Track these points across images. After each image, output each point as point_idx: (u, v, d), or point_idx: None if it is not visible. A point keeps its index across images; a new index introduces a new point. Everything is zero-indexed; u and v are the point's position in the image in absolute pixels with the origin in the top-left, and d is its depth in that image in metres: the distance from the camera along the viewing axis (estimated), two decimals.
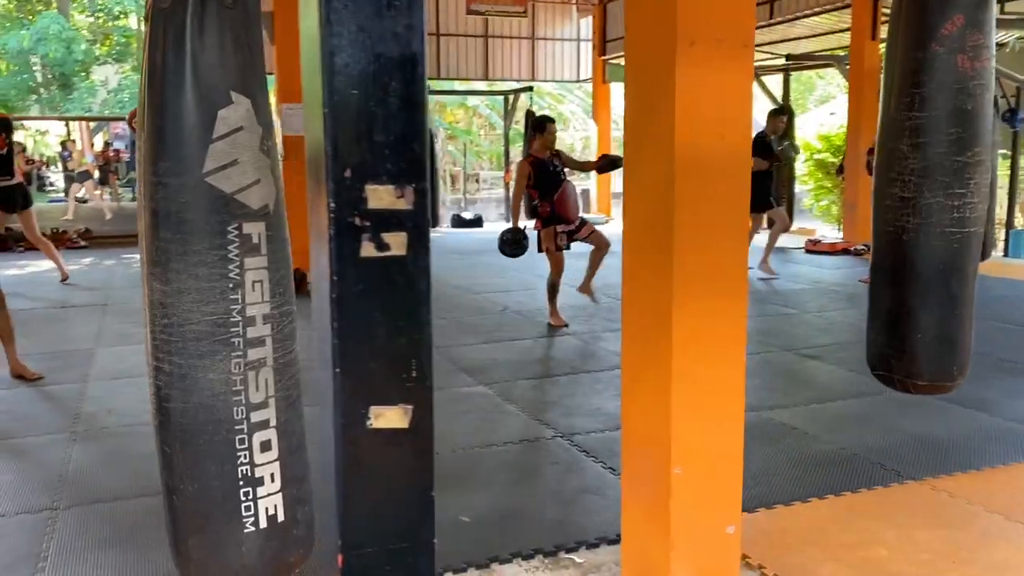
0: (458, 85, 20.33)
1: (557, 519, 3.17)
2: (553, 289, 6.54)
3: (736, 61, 2.17)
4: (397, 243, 1.39)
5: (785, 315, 6.94)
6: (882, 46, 12.72)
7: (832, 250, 10.80)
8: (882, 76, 3.09)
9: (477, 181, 23.17)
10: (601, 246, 6.47)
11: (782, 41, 14.23)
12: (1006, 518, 3.05)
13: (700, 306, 2.21)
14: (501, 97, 18.32)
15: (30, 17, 23.52)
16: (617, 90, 18.51)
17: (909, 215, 2.92)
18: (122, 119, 21.49)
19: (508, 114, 17.39)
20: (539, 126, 6.52)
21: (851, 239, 11.11)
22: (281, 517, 1.92)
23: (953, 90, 2.82)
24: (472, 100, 22.09)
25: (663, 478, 2.28)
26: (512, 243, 6.47)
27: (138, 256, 1.84)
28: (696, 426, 2.26)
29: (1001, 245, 11.57)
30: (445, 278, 9.05)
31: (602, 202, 17.33)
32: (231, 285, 1.81)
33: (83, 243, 12.41)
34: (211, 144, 1.77)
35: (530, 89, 16.59)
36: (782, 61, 14.34)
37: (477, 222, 16.60)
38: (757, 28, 10.26)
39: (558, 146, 6.54)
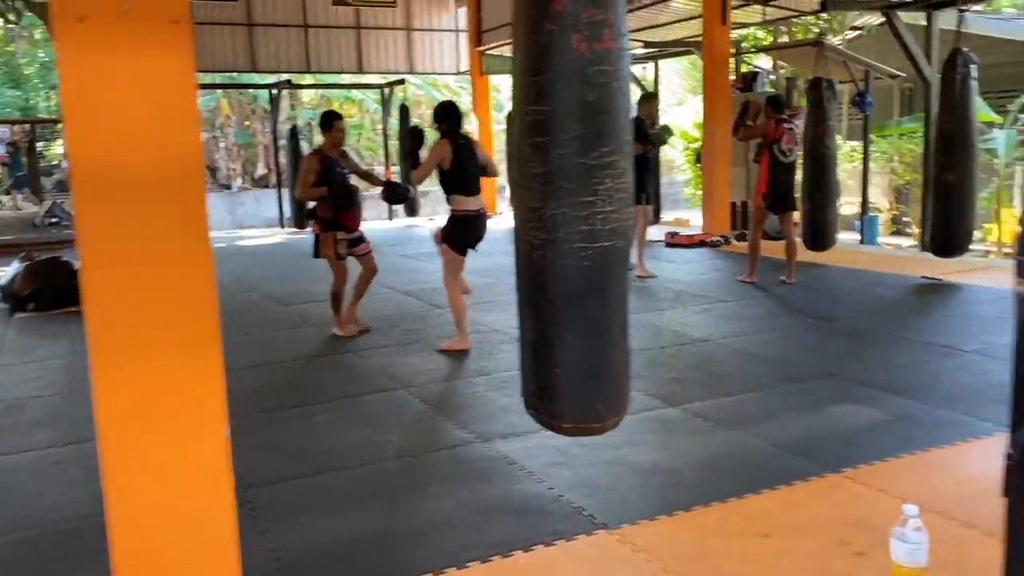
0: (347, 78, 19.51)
1: None
2: (335, 299, 6.01)
3: (161, 42, 1.62)
4: None
5: None
6: (735, 32, 12.49)
7: (690, 243, 10.48)
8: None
9: None
10: (369, 270, 5.99)
11: (650, 28, 13.90)
12: None
13: (137, 368, 1.67)
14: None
15: None
16: (496, 82, 18.01)
17: (537, 229, 2.44)
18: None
19: (385, 108, 16.69)
20: (326, 123, 5.94)
21: (710, 230, 10.83)
22: None
23: (572, 79, 2.33)
24: (357, 94, 21.31)
25: None
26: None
27: None
28: (154, 536, 1.72)
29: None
30: (257, 283, 8.41)
31: (487, 198, 16.78)
32: None
33: None
34: None
35: (402, 82, 15.97)
36: (651, 50, 13.97)
37: None
38: None
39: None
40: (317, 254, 5.89)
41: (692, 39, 13.68)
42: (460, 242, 5.33)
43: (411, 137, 5.90)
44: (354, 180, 6.02)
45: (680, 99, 20.49)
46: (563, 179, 2.35)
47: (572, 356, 2.45)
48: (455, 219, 5.28)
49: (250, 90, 19.68)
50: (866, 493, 3.18)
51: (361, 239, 5.95)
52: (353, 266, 6.02)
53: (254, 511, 3.21)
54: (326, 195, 5.70)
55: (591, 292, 2.43)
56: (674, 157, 17.74)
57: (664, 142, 8.91)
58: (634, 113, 8.18)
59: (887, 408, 4.18)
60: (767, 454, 3.65)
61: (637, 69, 14.27)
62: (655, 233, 12.17)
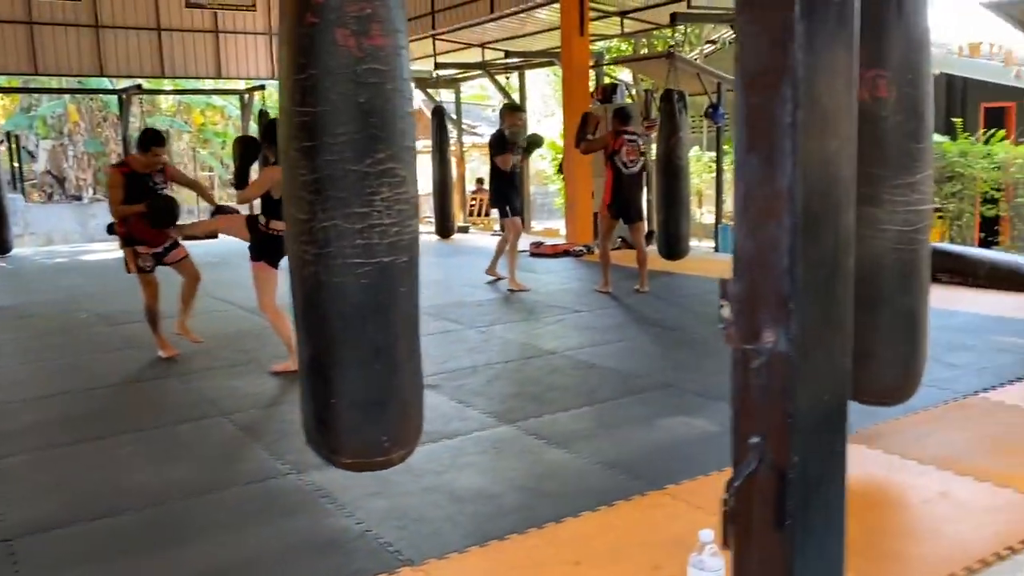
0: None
1: None
2: (150, 317, 5.59)
3: None
4: None
5: (445, 332, 6.30)
6: (598, 44, 12.63)
7: (553, 252, 10.45)
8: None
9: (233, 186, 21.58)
10: (190, 278, 5.61)
11: (514, 37, 13.89)
12: None
13: None
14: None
15: None
16: None
17: (307, 243, 2.20)
18: None
19: (244, 114, 16.02)
20: (144, 144, 5.47)
21: (573, 240, 10.84)
22: None
23: (339, 77, 2.11)
24: (219, 101, 20.48)
25: None
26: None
27: None
28: None
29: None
30: (89, 301, 7.80)
31: None
32: None
33: None
34: None
35: (262, 87, 15.39)
36: (513, 60, 13.96)
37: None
38: (480, 24, 9.74)
39: None
40: (129, 270, 5.49)
41: (556, 50, 13.75)
42: (274, 256, 5.06)
43: (242, 150, 5.57)
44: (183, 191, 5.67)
45: (551, 111, 20.66)
46: (334, 188, 2.13)
47: (350, 384, 2.23)
48: (268, 235, 5.01)
49: (101, 96, 18.56)
50: (685, 511, 3.09)
51: (171, 248, 5.54)
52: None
53: (17, 565, 2.83)
54: (145, 211, 5.29)
55: (370, 312, 2.21)
56: (545, 167, 17.84)
57: (531, 151, 8.83)
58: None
59: (719, 418, 4.13)
60: (593, 473, 3.53)
61: (501, 78, 14.25)
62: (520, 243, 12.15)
